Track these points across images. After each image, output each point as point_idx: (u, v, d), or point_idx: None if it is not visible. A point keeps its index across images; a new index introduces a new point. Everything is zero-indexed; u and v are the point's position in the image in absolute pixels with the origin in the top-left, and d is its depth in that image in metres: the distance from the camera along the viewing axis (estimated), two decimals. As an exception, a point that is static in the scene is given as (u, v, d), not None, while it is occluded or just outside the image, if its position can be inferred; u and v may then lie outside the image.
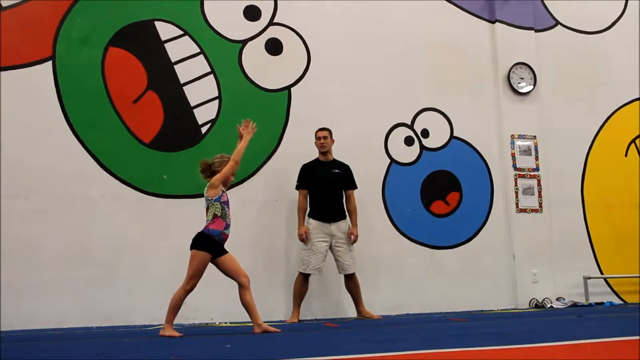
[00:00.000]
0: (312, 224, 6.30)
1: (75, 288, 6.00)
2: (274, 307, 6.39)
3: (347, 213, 6.45)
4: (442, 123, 7.45)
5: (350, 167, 6.55)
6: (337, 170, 6.45)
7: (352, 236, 6.35)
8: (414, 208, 7.20)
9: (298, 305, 6.24)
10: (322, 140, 6.44)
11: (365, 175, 6.82)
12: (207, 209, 4.78)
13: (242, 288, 4.73)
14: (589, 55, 8.15)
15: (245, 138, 4.91)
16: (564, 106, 7.93)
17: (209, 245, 4.69)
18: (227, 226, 4.77)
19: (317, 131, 6.48)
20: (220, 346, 3.90)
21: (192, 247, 4.71)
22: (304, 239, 6.25)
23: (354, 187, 6.53)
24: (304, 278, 6.25)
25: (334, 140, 6.50)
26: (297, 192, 6.42)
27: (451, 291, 7.11)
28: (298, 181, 6.44)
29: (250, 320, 4.81)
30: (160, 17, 6.68)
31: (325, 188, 6.36)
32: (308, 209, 6.39)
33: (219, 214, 4.73)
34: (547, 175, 7.71)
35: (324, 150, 6.45)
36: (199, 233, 4.75)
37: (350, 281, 6.37)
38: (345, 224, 6.40)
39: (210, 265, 4.75)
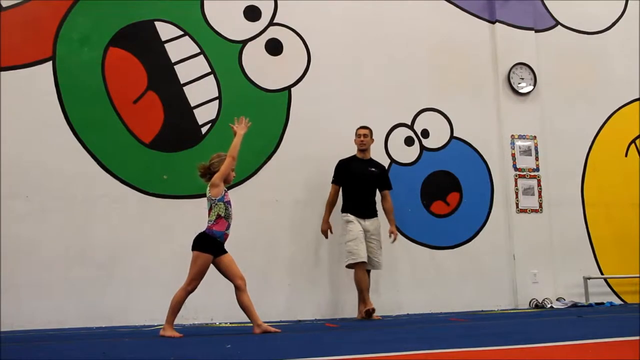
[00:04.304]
0: (350, 217, 6.34)
1: (75, 288, 6.00)
2: (273, 307, 6.39)
3: (382, 212, 6.53)
4: (442, 123, 7.45)
5: (351, 166, 6.57)
6: (373, 169, 6.53)
7: (392, 235, 6.47)
8: (414, 208, 7.21)
9: (366, 297, 6.15)
10: (362, 138, 6.50)
11: (366, 175, 6.81)
12: (210, 209, 4.74)
13: (239, 290, 4.71)
14: (589, 55, 8.15)
15: (239, 134, 4.89)
16: (564, 106, 7.93)
17: (211, 246, 4.67)
18: (229, 226, 4.75)
19: (358, 129, 6.54)
20: (220, 346, 3.89)
21: (194, 248, 4.68)
22: (326, 235, 6.40)
23: (389, 187, 6.63)
24: (360, 268, 6.20)
25: (373, 140, 6.57)
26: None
27: (451, 291, 7.12)
28: (334, 176, 6.49)
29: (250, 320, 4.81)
30: (160, 17, 6.68)
31: (361, 185, 6.44)
32: (342, 204, 6.45)
33: (222, 215, 4.70)
34: (547, 175, 7.71)
35: (363, 148, 6.52)
36: (201, 234, 4.72)
37: (368, 277, 6.37)
38: (377, 222, 6.47)
39: (211, 266, 4.74)
